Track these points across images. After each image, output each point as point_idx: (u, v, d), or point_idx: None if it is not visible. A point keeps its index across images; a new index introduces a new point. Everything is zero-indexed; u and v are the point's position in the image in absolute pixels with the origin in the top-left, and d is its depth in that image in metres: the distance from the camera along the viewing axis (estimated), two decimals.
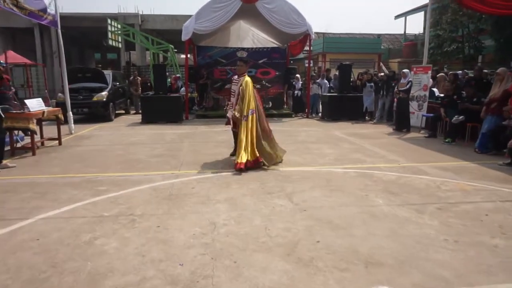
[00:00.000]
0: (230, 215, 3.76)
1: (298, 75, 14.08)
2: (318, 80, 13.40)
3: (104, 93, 11.87)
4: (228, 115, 5.97)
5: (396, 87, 9.75)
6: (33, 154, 6.73)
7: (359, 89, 12.17)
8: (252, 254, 2.93)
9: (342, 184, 4.88)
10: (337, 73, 12.46)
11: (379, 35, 28.40)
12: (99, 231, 3.37)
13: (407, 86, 9.42)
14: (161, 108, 11.29)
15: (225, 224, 3.52)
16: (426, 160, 6.25)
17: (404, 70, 9.67)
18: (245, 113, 5.50)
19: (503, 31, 16.18)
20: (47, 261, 2.82)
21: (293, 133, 9.11)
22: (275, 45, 15.49)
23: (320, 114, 13.32)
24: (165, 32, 21.62)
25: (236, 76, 5.88)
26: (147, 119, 11.28)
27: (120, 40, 18.69)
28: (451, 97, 8.41)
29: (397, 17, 28.46)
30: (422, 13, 26.15)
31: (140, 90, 14.50)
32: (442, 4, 18.26)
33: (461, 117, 7.65)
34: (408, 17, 28.00)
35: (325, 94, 12.81)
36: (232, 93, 5.89)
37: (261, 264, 2.76)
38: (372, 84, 11.63)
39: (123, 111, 14.34)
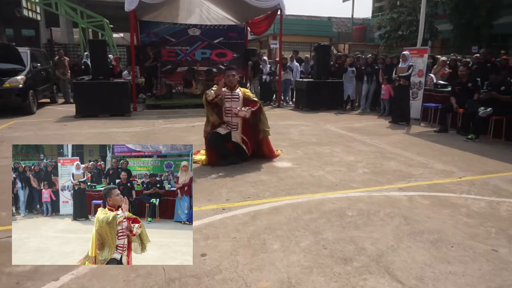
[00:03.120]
0: None
1: (265, 57, 12.16)
2: (288, 64, 11.56)
3: (20, 77, 8.89)
4: (235, 139, 4.86)
5: (394, 72, 8.27)
6: None
7: (337, 75, 10.61)
8: None
9: (431, 225, 3.11)
10: (303, 56, 10.90)
11: (329, 18, 27.33)
12: None
13: (409, 72, 7.97)
14: (102, 97, 8.65)
15: None
16: (480, 169, 4.78)
17: (404, 53, 8.20)
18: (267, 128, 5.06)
19: (462, 15, 15.72)
20: None
21: (280, 129, 7.40)
22: (232, 23, 13.40)
23: (291, 103, 11.65)
24: (96, 3, 18.09)
25: (227, 90, 4.81)
26: (84, 112, 8.59)
27: (39, 11, 15.06)
28: (464, 84, 7.10)
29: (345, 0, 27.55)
30: None
31: (69, 74, 11.43)
32: None
33: (489, 109, 6.34)
34: (356, 1, 27.31)
35: (298, 79, 11.07)
36: (228, 111, 4.82)
37: None
38: (354, 69, 10.12)
39: (47, 100, 11.23)
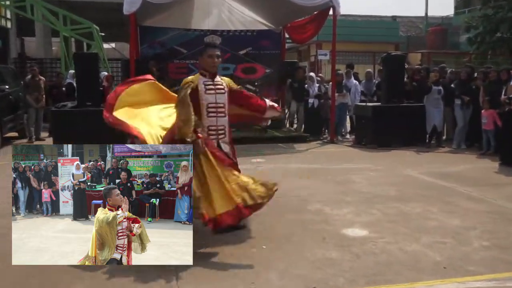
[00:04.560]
0: None
1: (312, 74, 12.15)
2: (344, 82, 11.47)
3: None
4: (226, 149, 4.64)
5: (504, 93, 8.00)
6: None
7: (416, 96, 10.43)
8: None
9: None
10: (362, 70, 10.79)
11: (394, 18, 27.53)
12: None
13: None
14: (90, 131, 8.66)
15: None
16: None
17: None
18: None
19: None
20: None
21: (338, 176, 7.28)
22: (264, 27, 13.62)
23: (348, 136, 11.50)
24: (83, 5, 18.96)
25: (206, 78, 4.62)
26: None
27: (9, 16, 15.89)
28: None
29: None
30: None
31: (44, 99, 11.52)
32: None
33: None
34: None
35: (359, 103, 10.96)
36: (212, 110, 4.56)
37: None
38: (441, 88, 9.88)
39: (15, 134, 11.46)
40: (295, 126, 12.47)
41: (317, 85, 11.77)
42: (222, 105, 4.56)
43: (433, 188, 6.48)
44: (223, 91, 4.59)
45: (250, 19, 13.62)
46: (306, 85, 11.68)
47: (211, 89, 4.52)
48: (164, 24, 12.91)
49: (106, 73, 12.17)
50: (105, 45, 20.76)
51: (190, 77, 4.57)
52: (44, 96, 11.66)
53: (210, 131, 4.49)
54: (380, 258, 3.95)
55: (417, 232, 4.61)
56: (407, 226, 4.80)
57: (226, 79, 4.83)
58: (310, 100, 11.50)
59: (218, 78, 4.64)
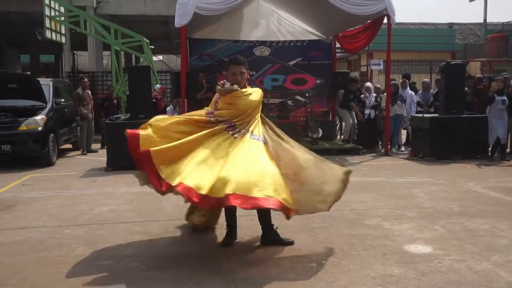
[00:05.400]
0: None
1: (369, 84, 12.01)
2: (400, 92, 11.31)
3: (40, 117, 9.73)
4: None
5: None
6: None
7: (477, 107, 10.19)
8: None
9: None
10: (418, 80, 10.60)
11: (451, 25, 26.96)
12: None
13: None
14: None
15: None
16: None
17: None
18: None
19: None
20: None
21: (397, 189, 7.18)
22: (314, 37, 13.69)
23: (403, 149, 11.31)
24: (133, 20, 19.63)
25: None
26: (118, 163, 8.96)
27: (63, 32, 16.65)
28: None
29: None
30: None
31: (92, 112, 11.93)
32: None
33: None
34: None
35: (416, 115, 10.80)
36: None
37: None
38: (505, 98, 9.58)
39: (69, 146, 11.98)
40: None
41: (375, 95, 11.65)
42: None
43: (499, 204, 6.27)
44: None
45: (300, 29, 13.74)
46: (362, 96, 11.61)
47: None
48: (213, 36, 13.22)
49: (159, 85, 12.51)
50: (153, 58, 21.41)
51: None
52: (92, 108, 12.11)
53: None
54: (447, 276, 3.83)
55: (486, 251, 4.44)
56: (474, 244, 4.63)
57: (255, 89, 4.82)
58: (367, 111, 11.43)
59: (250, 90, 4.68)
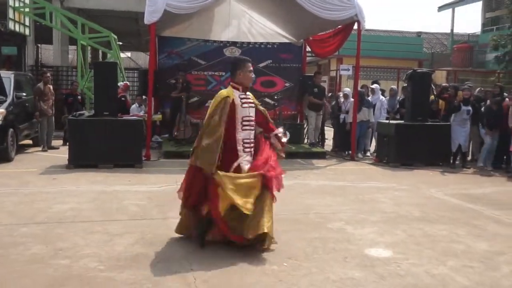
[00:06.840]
0: None
1: (347, 89, 12.04)
2: (370, 97, 11.45)
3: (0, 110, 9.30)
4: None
5: None
6: None
7: (440, 114, 10.42)
8: None
9: None
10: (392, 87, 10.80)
11: (419, 34, 27.54)
12: None
13: None
14: (105, 141, 8.83)
15: None
16: None
17: None
18: None
19: None
20: None
21: (361, 194, 7.27)
22: (285, 40, 13.77)
23: (369, 154, 11.43)
24: (101, 14, 19.27)
25: (239, 92, 4.80)
26: (80, 160, 8.81)
27: (28, 23, 16.21)
28: None
29: (441, 8, 27.84)
30: (480, 2, 25.63)
31: (53, 108, 11.41)
32: None
33: None
34: (456, 9, 27.51)
35: (382, 121, 10.90)
36: (246, 123, 4.77)
37: None
38: (470, 108, 9.82)
39: (30, 141, 11.65)
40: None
41: (352, 99, 11.66)
42: (253, 118, 4.75)
43: (459, 210, 6.45)
44: (253, 104, 4.80)
45: (271, 32, 13.72)
46: (339, 100, 11.68)
47: (245, 102, 4.71)
48: (183, 35, 13.09)
49: (123, 83, 12.28)
50: (121, 55, 21.07)
51: (225, 91, 4.70)
52: (52, 103, 11.63)
53: (245, 143, 4.68)
54: (406, 280, 3.93)
55: (443, 255, 4.58)
56: (433, 249, 4.76)
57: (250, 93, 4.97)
58: (342, 116, 11.45)
59: (248, 92, 4.85)
